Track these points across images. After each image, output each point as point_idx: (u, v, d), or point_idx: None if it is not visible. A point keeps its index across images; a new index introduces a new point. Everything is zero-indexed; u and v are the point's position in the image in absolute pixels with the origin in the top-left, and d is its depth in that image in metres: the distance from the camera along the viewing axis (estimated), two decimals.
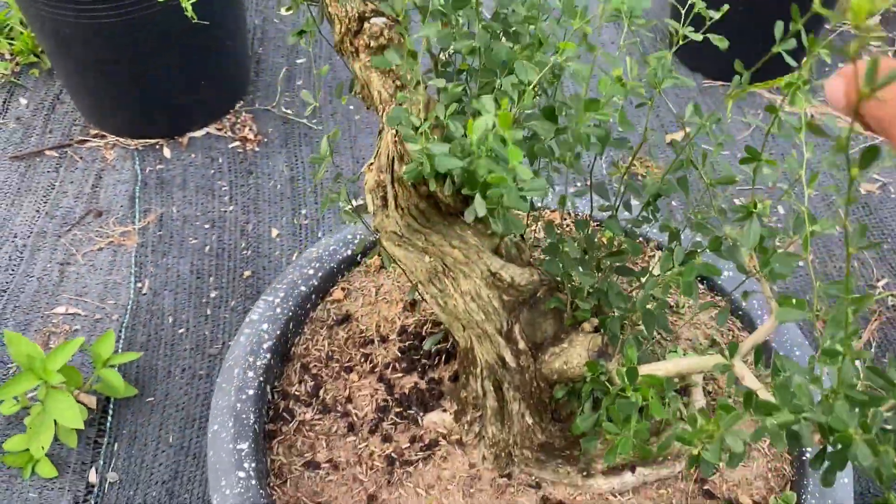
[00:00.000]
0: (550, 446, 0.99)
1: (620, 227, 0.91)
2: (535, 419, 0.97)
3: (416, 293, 1.07)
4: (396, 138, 0.83)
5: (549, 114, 0.77)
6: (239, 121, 2.02)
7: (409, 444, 1.03)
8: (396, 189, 0.87)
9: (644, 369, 0.86)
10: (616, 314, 0.93)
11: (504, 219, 0.79)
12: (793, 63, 0.72)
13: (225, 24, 1.88)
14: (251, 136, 1.97)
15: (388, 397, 1.08)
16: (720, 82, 2.14)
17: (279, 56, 2.22)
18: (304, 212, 1.81)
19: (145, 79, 1.84)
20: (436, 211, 0.89)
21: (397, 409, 1.07)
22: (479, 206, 0.73)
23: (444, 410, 1.06)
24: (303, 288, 1.16)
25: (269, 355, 1.08)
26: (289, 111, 2.05)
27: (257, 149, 1.96)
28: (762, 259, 0.78)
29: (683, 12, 0.79)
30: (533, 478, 1.01)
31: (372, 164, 0.94)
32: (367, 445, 1.04)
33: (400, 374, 1.11)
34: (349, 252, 1.21)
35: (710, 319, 1.16)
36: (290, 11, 0.89)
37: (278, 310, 1.13)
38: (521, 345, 0.94)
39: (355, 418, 1.07)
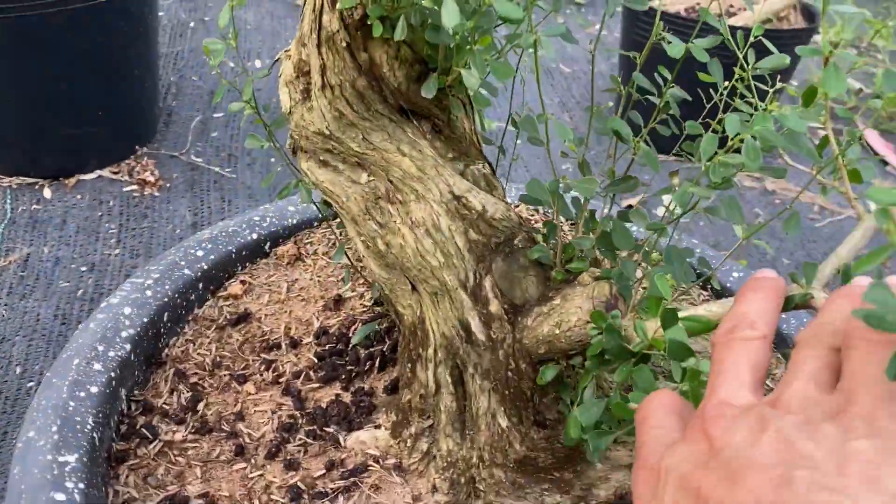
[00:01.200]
0: (532, 463, 0.68)
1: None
2: (511, 421, 0.67)
3: (348, 268, 0.78)
4: None
5: None
6: (140, 164, 1.74)
7: (323, 472, 0.71)
8: (324, 58, 0.61)
9: (681, 314, 0.58)
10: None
11: (480, 58, 0.53)
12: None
13: (132, 51, 1.64)
14: (151, 180, 1.69)
15: (298, 413, 0.76)
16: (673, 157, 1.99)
17: (193, 110, 1.98)
18: None
19: (29, 109, 1.57)
20: (379, 97, 0.63)
21: (309, 428, 0.75)
22: (449, 15, 0.47)
23: (378, 426, 0.75)
24: (187, 271, 0.85)
25: (128, 346, 0.76)
26: (199, 159, 1.79)
27: (157, 193, 1.67)
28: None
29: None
30: None
31: (289, 49, 0.68)
32: (261, 475, 0.71)
33: (316, 385, 0.79)
34: (255, 236, 0.92)
35: None
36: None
37: (148, 293, 0.81)
38: (494, 306, 0.66)
39: (247, 440, 0.74)
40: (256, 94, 0.78)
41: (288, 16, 2.55)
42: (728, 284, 0.92)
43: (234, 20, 0.66)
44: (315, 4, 0.61)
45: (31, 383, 1.23)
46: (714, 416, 0.39)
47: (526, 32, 0.55)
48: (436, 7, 0.50)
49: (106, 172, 1.71)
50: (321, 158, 0.67)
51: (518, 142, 0.83)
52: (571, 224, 0.87)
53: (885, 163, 2.04)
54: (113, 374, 0.73)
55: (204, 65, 2.18)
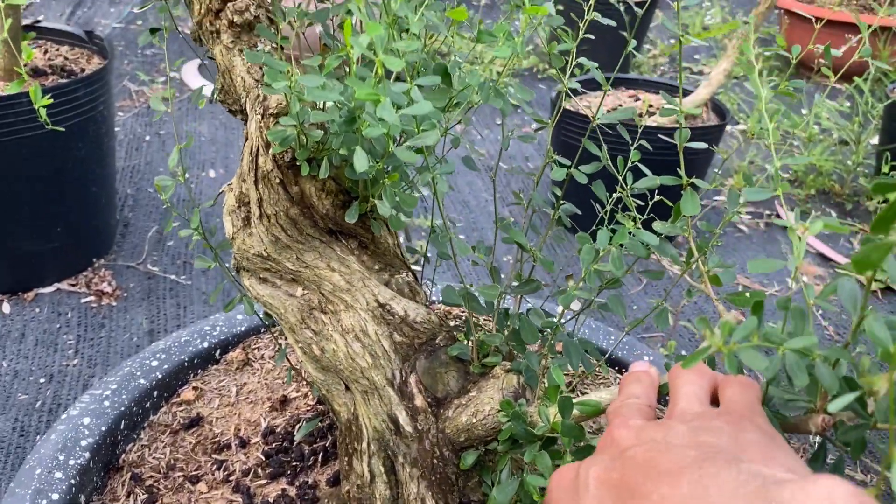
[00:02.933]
0: None
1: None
2: None
3: (290, 369, 0.87)
4: (261, 114, 0.69)
5: (443, 71, 0.65)
6: (97, 276, 1.81)
7: None
8: (261, 192, 0.71)
9: (577, 401, 0.68)
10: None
11: (390, 192, 0.64)
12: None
13: (89, 171, 1.73)
14: (108, 290, 1.76)
15: None
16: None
17: (150, 220, 2.06)
18: None
19: None
20: (310, 223, 0.73)
21: None
22: (359, 161, 0.57)
23: None
24: (142, 381, 0.93)
25: (87, 454, 0.82)
26: (155, 268, 1.87)
27: (114, 303, 1.73)
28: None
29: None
30: None
31: (231, 183, 0.78)
32: None
33: (264, 482, 0.86)
34: (206, 344, 1.00)
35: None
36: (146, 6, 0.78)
37: (106, 403, 0.88)
38: (419, 400, 0.74)
39: None
40: (205, 215, 0.87)
41: (240, 126, 2.68)
42: (631, 360, 1.02)
43: (182, 159, 0.76)
44: (252, 147, 0.71)
45: None
46: (620, 426, 0.49)
47: (425, 172, 0.66)
48: (351, 154, 0.61)
49: (64, 285, 1.77)
50: (261, 276, 0.76)
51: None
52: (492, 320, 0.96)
53: (829, 258, 2.18)
54: (73, 482, 0.79)
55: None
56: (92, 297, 1.74)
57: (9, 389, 1.47)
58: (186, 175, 0.80)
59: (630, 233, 0.62)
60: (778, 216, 2.35)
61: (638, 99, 2.24)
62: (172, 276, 1.84)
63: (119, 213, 2.06)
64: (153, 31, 0.79)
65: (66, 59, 1.84)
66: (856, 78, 2.22)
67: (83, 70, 1.78)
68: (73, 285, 1.78)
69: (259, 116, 0.70)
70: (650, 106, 2.22)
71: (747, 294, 0.62)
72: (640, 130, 0.83)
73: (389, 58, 0.47)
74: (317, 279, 0.74)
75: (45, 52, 1.86)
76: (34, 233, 1.69)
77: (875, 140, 2.64)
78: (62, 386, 1.49)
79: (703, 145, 0.76)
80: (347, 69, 0.67)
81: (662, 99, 2.29)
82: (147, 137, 2.52)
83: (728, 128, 2.67)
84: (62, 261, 1.78)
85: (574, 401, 0.67)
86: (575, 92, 2.29)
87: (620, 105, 2.25)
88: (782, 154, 0.73)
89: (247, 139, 0.74)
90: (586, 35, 0.80)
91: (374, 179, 0.68)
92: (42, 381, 1.50)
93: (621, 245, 0.64)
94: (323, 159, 0.66)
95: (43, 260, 1.74)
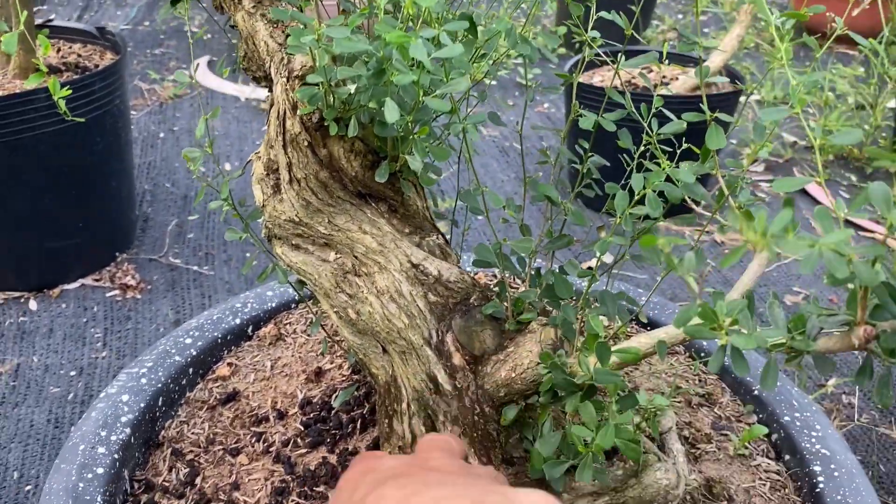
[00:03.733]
0: None
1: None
2: (481, 461, 0.74)
3: (326, 338, 0.87)
4: (286, 76, 0.69)
5: (469, 21, 0.65)
6: (120, 270, 1.82)
7: None
8: (290, 156, 0.71)
9: (615, 348, 0.67)
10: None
11: (421, 145, 0.63)
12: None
13: (108, 165, 1.74)
14: (132, 283, 1.77)
15: (289, 477, 0.83)
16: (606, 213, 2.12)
17: (169, 214, 2.07)
18: None
19: (13, 227, 1.65)
20: (339, 185, 0.73)
21: (300, 490, 0.81)
22: (390, 112, 0.57)
23: None
24: (177, 358, 0.93)
25: (128, 430, 0.83)
26: (177, 260, 1.87)
27: (139, 296, 1.74)
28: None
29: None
30: None
31: (259, 152, 0.78)
32: None
33: (304, 451, 0.86)
34: (238, 321, 1.00)
35: (670, 367, 0.99)
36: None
37: (143, 380, 0.89)
38: (457, 359, 0.74)
39: None
40: (230, 194, 0.87)
41: (253, 120, 2.69)
42: (663, 320, 1.02)
43: (209, 129, 0.76)
44: (279, 111, 0.71)
45: (30, 486, 1.27)
46: None
47: (455, 122, 0.66)
48: (380, 108, 0.61)
49: (88, 281, 1.79)
50: (293, 243, 0.77)
51: (470, 214, 0.93)
52: (523, 281, 0.96)
53: (862, 227, 2.17)
54: (116, 457, 0.80)
55: (176, 172, 2.29)
56: (117, 291, 1.75)
57: (41, 383, 1.49)
58: (210, 150, 0.80)
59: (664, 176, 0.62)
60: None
61: (651, 70, 2.23)
62: (195, 268, 1.84)
63: (139, 209, 2.08)
64: (174, 1, 0.79)
65: (79, 56, 1.84)
66: (871, 40, 2.20)
67: (97, 66, 1.79)
68: (98, 280, 1.79)
69: (284, 80, 0.70)
70: (663, 77, 2.21)
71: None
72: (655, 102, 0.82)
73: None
74: (349, 242, 0.74)
75: (59, 50, 1.86)
76: (57, 229, 1.70)
77: (892, 103, 2.61)
78: (93, 378, 1.51)
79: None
80: (369, 29, 0.67)
81: (676, 69, 2.25)
82: (161, 134, 2.53)
83: (742, 98, 2.65)
84: (85, 256, 1.80)
85: (613, 349, 0.67)
86: (592, 64, 2.28)
87: (633, 78, 2.24)
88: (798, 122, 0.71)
89: (272, 105, 0.74)
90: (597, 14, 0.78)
91: (402, 137, 0.68)
92: (73, 373, 1.51)
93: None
94: (351, 118, 0.66)
95: (67, 256, 1.76)
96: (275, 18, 0.67)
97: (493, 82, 3.00)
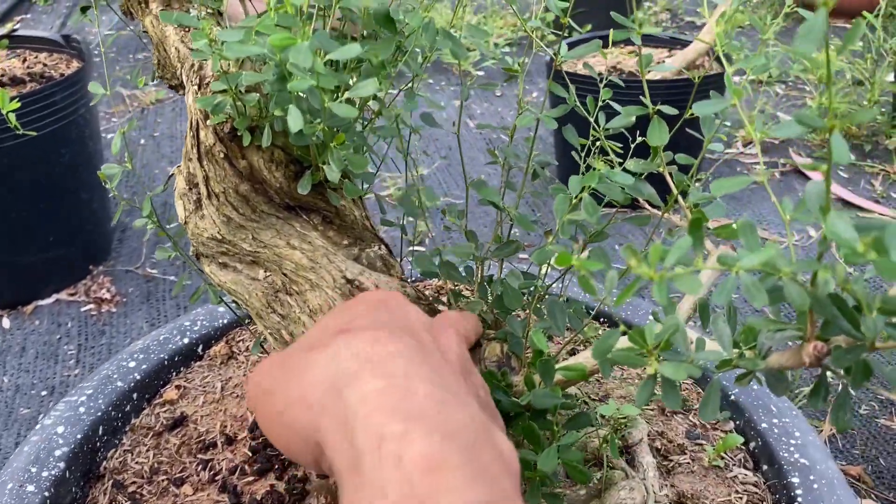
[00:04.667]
0: None
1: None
2: None
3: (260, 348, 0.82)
4: (198, 84, 0.63)
5: (385, 17, 0.59)
6: (96, 283, 1.77)
7: None
8: (206, 169, 0.66)
9: (560, 365, 0.62)
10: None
11: (337, 155, 0.58)
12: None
13: (77, 177, 1.70)
14: (108, 297, 1.72)
15: None
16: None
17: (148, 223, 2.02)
18: None
19: None
20: (263, 198, 0.68)
21: None
22: (294, 120, 0.52)
23: None
24: (119, 384, 0.88)
25: (62, 465, 0.78)
26: (154, 271, 1.83)
27: (114, 309, 1.70)
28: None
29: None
30: None
31: (180, 165, 0.73)
32: None
33: (251, 479, 0.82)
34: (187, 340, 0.95)
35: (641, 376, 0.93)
36: None
37: (81, 409, 0.84)
38: None
39: None
40: (165, 206, 0.82)
41: None
42: (636, 320, 0.96)
43: (126, 145, 0.71)
44: (191, 122, 0.66)
45: None
46: None
47: (385, 112, 0.60)
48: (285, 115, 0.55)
49: (63, 295, 1.75)
50: (220, 261, 0.71)
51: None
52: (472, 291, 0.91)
53: (850, 203, 2.10)
54: (47, 494, 0.75)
55: (156, 179, 2.25)
56: (92, 305, 1.71)
57: (11, 405, 1.45)
58: (129, 165, 0.75)
59: (603, 175, 0.56)
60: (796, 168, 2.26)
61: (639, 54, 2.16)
62: (172, 278, 1.80)
63: (116, 219, 2.03)
64: (84, 9, 0.74)
65: (44, 65, 1.80)
66: (866, 13, 2.12)
67: (62, 75, 1.74)
68: (73, 294, 1.75)
69: (196, 87, 0.65)
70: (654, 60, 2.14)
71: (734, 225, 0.56)
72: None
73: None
74: (277, 259, 0.69)
75: (24, 60, 1.82)
76: (28, 244, 1.66)
77: (890, 77, 2.53)
78: (64, 397, 1.46)
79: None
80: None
81: (663, 53, 2.17)
82: (142, 141, 2.48)
83: (736, 78, 2.58)
84: (59, 270, 1.76)
85: (558, 366, 0.61)
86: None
87: (619, 63, 2.18)
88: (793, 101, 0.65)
89: (188, 113, 0.69)
90: None
91: (323, 144, 0.63)
92: (44, 393, 1.48)
93: (594, 191, 0.58)
94: (265, 126, 0.61)
95: (40, 271, 1.71)
96: (164, 21, 0.61)
97: (481, 73, 2.94)
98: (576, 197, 0.59)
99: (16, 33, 1.91)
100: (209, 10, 0.67)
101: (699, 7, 3.64)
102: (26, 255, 1.67)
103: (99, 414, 0.84)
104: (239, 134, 0.63)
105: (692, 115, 0.54)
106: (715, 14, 1.93)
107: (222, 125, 0.64)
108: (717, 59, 2.08)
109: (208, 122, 0.63)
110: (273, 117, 0.61)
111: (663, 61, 2.10)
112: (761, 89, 2.70)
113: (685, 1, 3.76)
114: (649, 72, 0.64)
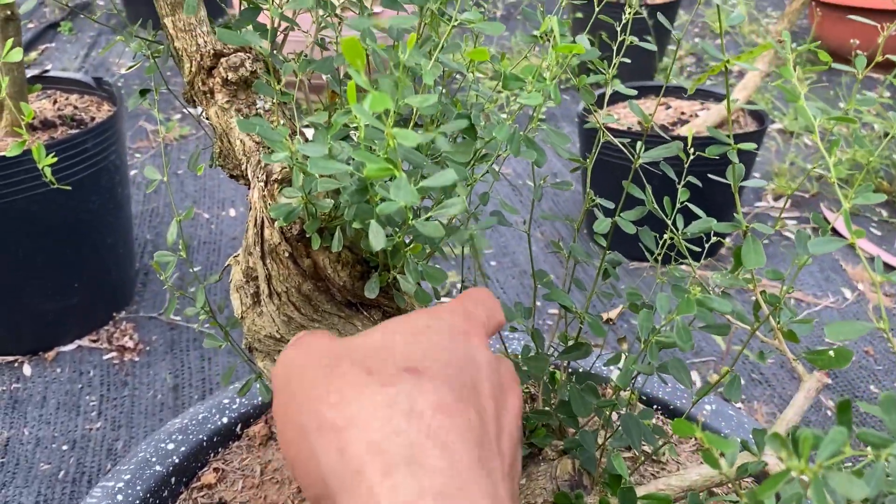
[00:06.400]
0: None
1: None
2: None
3: None
4: (264, 181, 0.61)
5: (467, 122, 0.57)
6: (119, 330, 1.75)
7: None
8: (269, 268, 0.63)
9: (641, 490, 0.58)
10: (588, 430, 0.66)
11: (411, 263, 0.55)
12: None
13: (104, 222, 1.68)
14: (130, 345, 1.69)
15: None
16: (646, 263, 2.02)
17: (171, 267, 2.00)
18: None
19: (8, 288, 1.59)
20: (325, 297, 0.65)
21: None
22: (376, 238, 0.49)
23: None
24: (158, 468, 0.85)
25: None
26: (177, 318, 1.80)
27: (137, 358, 1.67)
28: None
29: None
30: None
31: (237, 255, 0.70)
32: None
33: None
34: (226, 420, 0.92)
35: (693, 453, 0.89)
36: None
37: (119, 497, 0.81)
38: None
39: None
40: (214, 258, 0.78)
41: None
42: (705, 420, 0.92)
43: (181, 231, 0.69)
44: (255, 219, 0.63)
45: None
46: None
47: (456, 233, 0.58)
48: (365, 229, 0.52)
49: (85, 342, 1.72)
50: (275, 358, 0.68)
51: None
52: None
53: (890, 266, 2.05)
54: None
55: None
56: (114, 353, 1.68)
57: (31, 459, 1.41)
58: (184, 254, 0.72)
59: (700, 300, 0.53)
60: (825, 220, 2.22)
61: (668, 107, 2.14)
62: (195, 326, 1.77)
63: (139, 261, 2.01)
64: (143, 92, 0.72)
65: (75, 108, 1.78)
66: None
67: (93, 118, 1.73)
68: (95, 341, 1.72)
69: (262, 184, 0.62)
70: (682, 114, 2.12)
71: (830, 352, 0.53)
72: (686, 165, 0.73)
73: (403, 132, 0.39)
74: None
75: (55, 101, 1.81)
76: (51, 290, 1.64)
77: None
78: (86, 452, 1.43)
79: (752, 145, 0.66)
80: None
81: (695, 105, 2.15)
82: (164, 178, 2.46)
83: (773, 129, 2.55)
84: (82, 316, 1.73)
85: (639, 494, 0.58)
86: (601, 105, 2.20)
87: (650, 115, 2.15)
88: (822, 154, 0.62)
89: (251, 208, 0.66)
90: (622, 59, 0.72)
91: (394, 249, 0.60)
92: (65, 447, 1.44)
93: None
94: (336, 230, 0.58)
95: (62, 317, 1.69)
96: (243, 131, 0.59)
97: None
98: (666, 319, 0.55)
99: (47, 73, 1.90)
100: (275, 102, 0.64)
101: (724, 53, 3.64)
102: (50, 302, 1.65)
103: (136, 502, 0.81)
104: (308, 236, 0.60)
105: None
106: (752, 73, 1.91)
107: (290, 225, 0.61)
108: (752, 115, 2.06)
109: (276, 222, 0.61)
110: (345, 221, 0.58)
111: (696, 114, 2.08)
112: (793, 142, 2.67)
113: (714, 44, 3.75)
114: (680, 125, 0.61)
